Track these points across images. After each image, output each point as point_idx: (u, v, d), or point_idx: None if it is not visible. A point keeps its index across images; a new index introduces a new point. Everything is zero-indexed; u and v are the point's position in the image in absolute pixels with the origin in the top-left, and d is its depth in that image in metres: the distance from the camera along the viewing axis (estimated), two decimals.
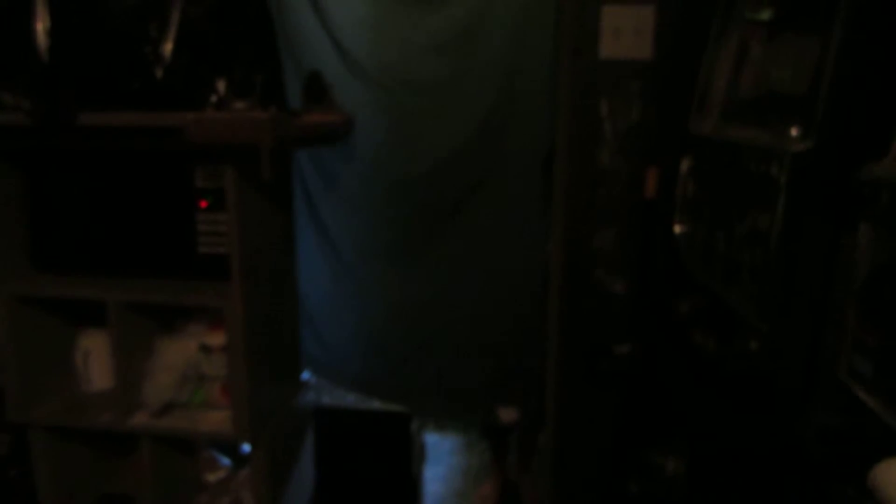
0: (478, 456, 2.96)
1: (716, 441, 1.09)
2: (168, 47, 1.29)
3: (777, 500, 0.98)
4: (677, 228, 1.53)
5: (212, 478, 1.73)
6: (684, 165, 1.48)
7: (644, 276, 1.68)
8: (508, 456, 2.58)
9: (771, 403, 1.11)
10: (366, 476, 2.18)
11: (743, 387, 1.17)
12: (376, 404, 2.16)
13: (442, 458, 2.96)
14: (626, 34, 1.60)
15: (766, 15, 1.32)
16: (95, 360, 1.62)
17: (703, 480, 1.11)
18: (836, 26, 0.97)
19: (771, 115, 1.18)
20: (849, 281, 0.93)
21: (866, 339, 0.89)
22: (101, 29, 1.32)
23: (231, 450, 1.81)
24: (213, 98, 1.35)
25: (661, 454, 1.20)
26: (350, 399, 2.19)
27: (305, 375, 1.84)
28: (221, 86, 1.36)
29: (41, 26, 1.31)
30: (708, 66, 1.45)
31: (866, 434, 0.87)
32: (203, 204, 1.44)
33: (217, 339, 1.49)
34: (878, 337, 0.86)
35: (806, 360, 1.05)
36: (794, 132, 1.07)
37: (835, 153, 0.98)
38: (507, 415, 2.64)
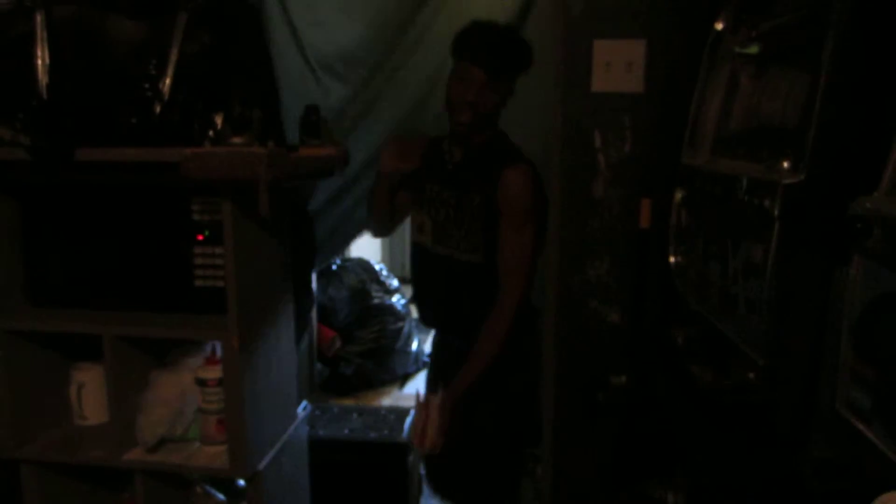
0: None
1: (715, 475, 1.09)
2: (166, 84, 1.31)
3: None
4: (671, 259, 1.54)
5: None
6: (677, 196, 1.50)
7: (639, 306, 1.69)
8: None
9: (770, 436, 1.11)
10: None
11: (741, 419, 1.17)
12: (373, 435, 2.14)
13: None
14: (617, 68, 1.63)
15: (754, 49, 1.34)
16: (89, 393, 1.61)
17: None
18: (824, 60, 1.00)
19: (762, 147, 1.20)
20: (844, 314, 0.94)
21: (864, 373, 0.90)
22: (100, 66, 1.34)
23: (225, 484, 1.79)
24: (211, 133, 1.37)
25: (660, 487, 1.20)
26: (346, 430, 2.17)
27: (302, 406, 1.82)
28: (219, 121, 1.38)
29: (41, 63, 1.32)
30: (698, 99, 1.48)
31: (865, 468, 0.87)
32: (200, 237, 1.44)
33: (213, 372, 1.48)
34: (876, 370, 0.87)
35: (804, 393, 1.05)
36: (785, 164, 1.09)
37: (826, 185, 0.99)
38: None
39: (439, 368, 1.89)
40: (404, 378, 3.78)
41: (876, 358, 0.86)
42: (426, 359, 3.95)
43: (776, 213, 1.04)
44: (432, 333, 2.05)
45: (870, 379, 0.88)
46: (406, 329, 3.70)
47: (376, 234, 2.34)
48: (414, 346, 3.81)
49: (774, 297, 1.05)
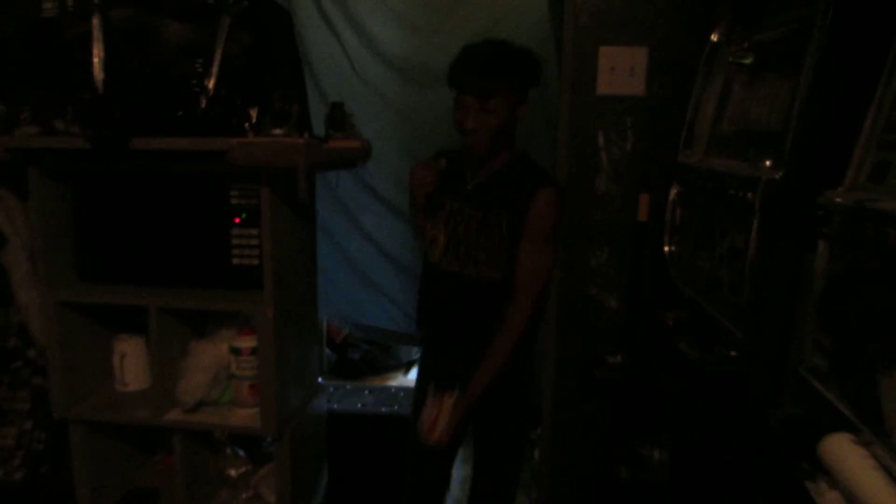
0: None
1: (697, 432, 1.24)
2: (211, 81, 1.45)
3: (747, 478, 1.12)
4: (666, 248, 1.68)
5: (234, 473, 1.86)
6: (673, 192, 1.64)
7: (635, 292, 1.83)
8: None
9: (744, 399, 1.26)
10: (373, 478, 2.31)
11: (721, 386, 1.31)
12: (383, 409, 2.29)
13: None
14: (621, 72, 1.77)
15: (748, 60, 1.49)
16: (130, 363, 1.76)
17: (685, 466, 1.25)
18: (803, 71, 1.14)
19: (748, 148, 1.34)
20: (810, 292, 1.09)
21: (823, 341, 1.04)
22: (151, 64, 1.48)
23: (252, 448, 1.94)
24: (246, 125, 1.51)
25: (648, 446, 1.35)
26: (359, 404, 2.32)
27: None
28: (254, 114, 1.52)
29: (97, 60, 1.46)
30: (695, 103, 1.62)
31: (821, 420, 1.01)
32: (237, 220, 1.59)
33: (246, 342, 1.63)
34: (832, 339, 1.01)
35: (776, 361, 1.20)
36: (767, 163, 1.23)
37: (801, 181, 1.13)
38: None
39: (433, 369, 1.80)
40: (409, 365, 3.92)
41: (833, 329, 1.01)
42: None
43: (757, 205, 1.18)
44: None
45: (827, 347, 1.02)
46: None
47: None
48: None
49: (753, 278, 1.19)
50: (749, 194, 1.22)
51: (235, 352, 1.64)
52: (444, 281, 1.67)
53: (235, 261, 1.61)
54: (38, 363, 1.76)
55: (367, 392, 2.42)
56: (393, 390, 2.46)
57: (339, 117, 1.68)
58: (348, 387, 2.48)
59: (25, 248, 1.66)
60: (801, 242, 1.13)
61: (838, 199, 0.97)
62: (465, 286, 1.61)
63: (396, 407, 2.32)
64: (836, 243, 0.99)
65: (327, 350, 3.53)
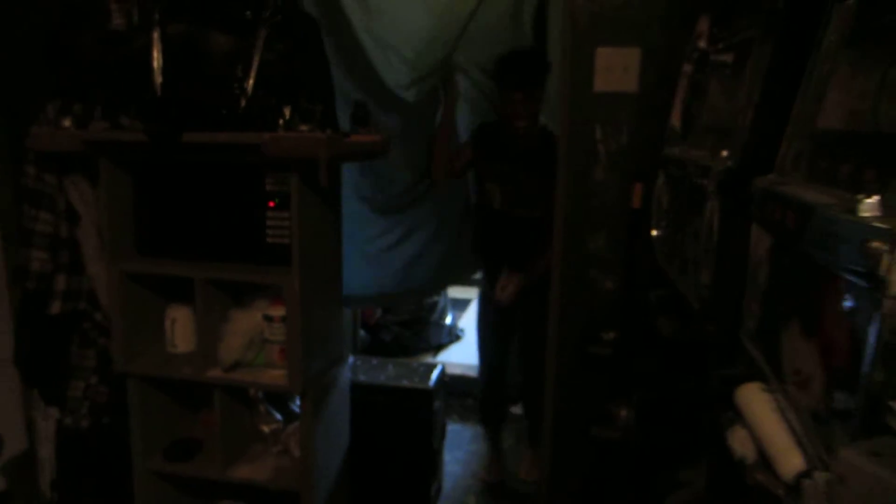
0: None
1: (659, 394, 1.42)
2: (250, 84, 1.69)
3: (692, 426, 1.30)
4: (653, 232, 1.85)
5: (266, 429, 2.11)
6: (659, 180, 1.81)
7: (629, 274, 2.00)
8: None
9: (702, 364, 1.43)
10: (392, 446, 2.54)
11: (687, 355, 1.48)
12: (405, 382, 2.52)
13: (462, 444, 3.30)
14: (615, 71, 1.94)
15: (728, 58, 1.64)
16: (179, 327, 2.02)
17: (648, 423, 1.43)
18: (752, 73, 1.30)
19: (714, 141, 1.50)
20: (748, 267, 1.25)
21: (753, 309, 1.21)
22: (200, 69, 1.73)
23: (282, 408, 2.19)
24: (281, 122, 1.75)
25: (616, 406, 1.53)
26: (382, 377, 2.55)
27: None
28: (287, 112, 1.76)
29: (156, 66, 1.72)
30: (679, 99, 1.78)
31: (753, 377, 1.18)
32: (271, 203, 1.83)
33: (277, 311, 1.87)
34: (758, 305, 1.18)
35: (726, 330, 1.37)
36: (723, 153, 1.40)
37: (750, 171, 1.30)
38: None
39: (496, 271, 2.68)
40: (438, 348, 4.16)
41: (759, 297, 1.18)
42: (459, 333, 4.34)
43: (711, 190, 1.35)
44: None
45: (756, 312, 1.19)
46: (441, 304, 4.07)
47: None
48: (448, 319, 4.18)
49: (706, 255, 1.36)
50: (706, 181, 1.38)
51: (268, 319, 1.88)
52: (502, 219, 2.62)
53: (269, 239, 1.86)
54: (103, 325, 2.04)
55: (390, 367, 2.64)
56: (415, 366, 2.67)
57: (361, 115, 1.91)
58: (374, 362, 2.70)
59: (94, 225, 1.94)
60: (747, 223, 1.30)
61: (758, 185, 1.14)
62: (516, 222, 2.56)
63: (417, 380, 2.53)
64: (760, 224, 1.16)
65: (361, 331, 3.79)
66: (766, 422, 1.01)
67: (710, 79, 1.69)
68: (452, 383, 3.04)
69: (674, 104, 1.81)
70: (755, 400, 1.07)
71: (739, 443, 1.07)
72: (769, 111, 1.30)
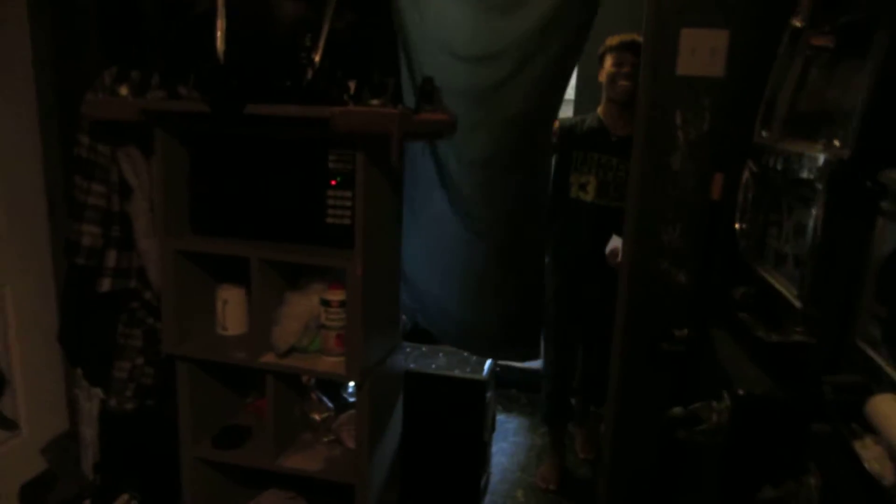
0: (540, 437, 3.20)
1: (755, 398, 1.31)
2: (318, 55, 1.60)
3: (799, 440, 1.19)
4: (737, 226, 1.74)
5: (317, 417, 2.03)
6: (746, 171, 1.70)
7: (705, 269, 1.89)
8: (565, 441, 2.89)
9: (804, 369, 1.32)
10: (443, 437, 2.45)
11: (782, 356, 1.37)
12: (457, 372, 2.43)
13: (508, 436, 3.22)
14: (701, 54, 1.82)
15: (829, 43, 1.52)
16: (231, 309, 1.95)
17: (742, 429, 1.32)
18: (874, 55, 1.18)
19: (821, 129, 1.39)
20: (869, 266, 1.14)
21: (879, 312, 1.10)
22: (266, 37, 1.64)
23: (334, 396, 2.12)
24: (346, 96, 1.66)
25: (707, 408, 1.42)
26: (434, 366, 2.46)
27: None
28: (352, 86, 1.66)
29: (220, 34, 1.63)
30: (773, 84, 1.66)
31: (872, 386, 1.07)
32: (333, 182, 1.74)
33: (336, 295, 1.78)
34: (887, 309, 1.07)
35: (835, 332, 1.26)
36: (836, 143, 1.28)
37: (867, 161, 1.18)
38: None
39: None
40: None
41: (887, 299, 1.07)
42: None
43: (823, 182, 1.24)
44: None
45: (882, 316, 1.08)
46: None
47: None
48: None
49: (815, 252, 1.25)
50: (817, 173, 1.27)
51: (325, 304, 1.80)
52: (595, 212, 2.55)
53: (330, 220, 1.77)
54: (152, 305, 1.98)
55: (441, 355, 2.56)
56: (465, 354, 2.58)
57: (429, 90, 1.80)
58: (424, 349, 2.61)
59: (147, 200, 1.87)
60: (863, 219, 1.18)
61: (892, 178, 1.02)
62: (611, 214, 2.44)
63: (468, 370, 2.44)
64: (891, 218, 1.05)
65: (403, 317, 3.70)
66: None
67: (809, 63, 1.57)
68: (498, 372, 2.94)
69: (766, 90, 1.69)
70: (894, 413, 0.96)
71: (875, 460, 0.97)
72: (889, 98, 1.18)
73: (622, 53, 2.48)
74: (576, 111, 3.26)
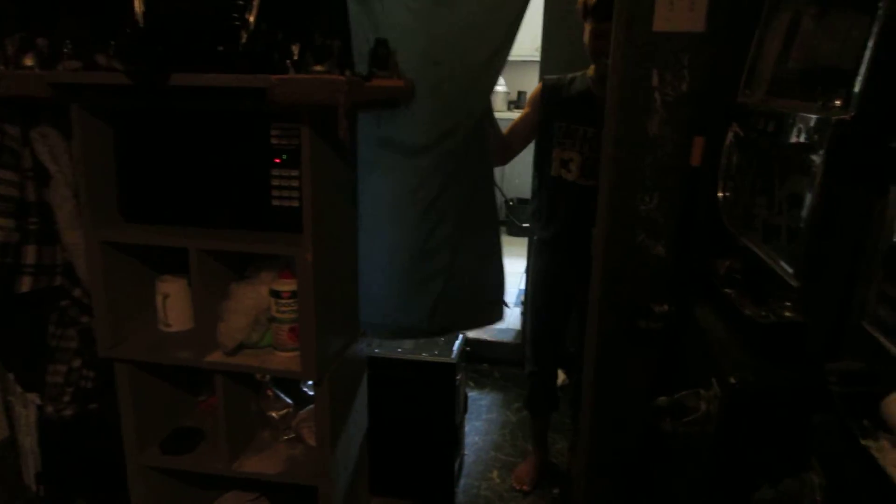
0: (514, 413, 3.11)
1: (747, 385, 1.19)
2: (252, 15, 1.40)
3: (801, 435, 1.08)
4: (720, 194, 1.61)
5: (275, 415, 1.88)
6: (730, 134, 1.56)
7: (685, 240, 1.77)
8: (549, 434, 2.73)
9: (800, 352, 1.21)
10: (413, 423, 2.33)
11: (775, 338, 1.26)
12: (424, 355, 2.29)
13: (481, 413, 3.12)
14: (680, 7, 1.66)
15: None
16: (173, 303, 1.77)
17: (733, 419, 1.21)
18: (879, 3, 1.04)
19: (816, 87, 1.25)
20: (878, 240, 1.02)
21: (890, 292, 0.98)
22: None
23: (292, 390, 1.96)
24: (288, 62, 1.47)
25: (695, 397, 1.31)
26: (400, 350, 2.32)
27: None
28: (296, 50, 1.47)
29: None
30: (759, 39, 1.52)
31: (881, 375, 0.96)
32: (277, 160, 1.56)
33: (286, 285, 1.62)
34: None
35: (836, 313, 1.14)
36: (837, 103, 1.15)
37: (873, 123, 1.05)
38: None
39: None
40: (444, 329, 3.92)
41: None
42: None
43: (824, 147, 1.11)
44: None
45: (894, 297, 0.96)
46: None
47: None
48: None
49: (815, 225, 1.13)
50: (816, 136, 1.14)
51: (275, 295, 1.63)
52: (579, 193, 2.24)
53: (276, 202, 1.59)
54: (84, 302, 1.79)
55: None
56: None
57: (383, 54, 1.62)
58: None
59: (69, 187, 1.67)
60: (870, 187, 1.06)
61: None
62: (590, 193, 1.97)
63: (436, 352, 2.31)
64: None
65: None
66: None
67: (800, 14, 1.43)
68: (469, 349, 2.81)
69: (752, 45, 1.54)
70: None
71: (895, 466, 0.86)
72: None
73: (603, 24, 2.08)
74: (542, 74, 3.06)
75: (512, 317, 3.90)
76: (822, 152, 1.11)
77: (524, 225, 4.09)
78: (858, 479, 0.93)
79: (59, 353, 1.82)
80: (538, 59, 3.20)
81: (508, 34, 2.09)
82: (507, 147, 2.39)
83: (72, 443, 1.96)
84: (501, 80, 5.92)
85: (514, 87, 5.76)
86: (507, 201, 4.87)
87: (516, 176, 5.26)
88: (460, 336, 2.44)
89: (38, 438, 1.98)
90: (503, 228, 5.75)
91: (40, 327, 1.80)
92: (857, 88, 1.07)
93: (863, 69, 1.06)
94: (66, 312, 1.80)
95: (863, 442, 0.93)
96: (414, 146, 2.05)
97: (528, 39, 3.46)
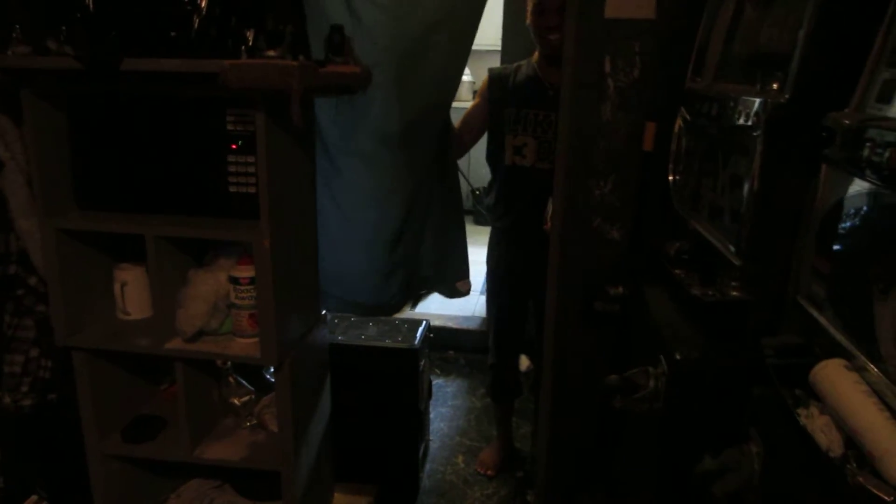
0: (479, 399, 3.14)
1: (692, 361, 1.24)
2: (204, 0, 1.40)
3: (739, 405, 1.12)
4: (670, 177, 1.65)
5: (237, 402, 1.89)
6: (679, 118, 1.60)
7: (639, 224, 1.81)
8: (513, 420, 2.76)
9: (743, 329, 1.25)
10: (377, 410, 2.35)
11: (720, 316, 1.30)
12: (388, 341, 2.31)
13: (447, 400, 3.15)
14: None
15: None
16: (131, 291, 1.77)
17: (680, 394, 1.25)
18: None
19: (758, 71, 1.29)
20: (811, 218, 1.06)
21: (821, 268, 1.02)
22: None
23: (254, 377, 1.97)
24: (243, 47, 1.47)
25: (644, 375, 1.35)
26: (363, 336, 2.34)
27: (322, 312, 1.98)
28: (250, 35, 1.48)
29: None
30: (706, 26, 1.56)
31: (815, 347, 1.00)
32: (233, 146, 1.56)
33: (245, 272, 1.62)
34: (830, 264, 0.99)
35: (775, 290, 1.19)
36: (774, 86, 1.19)
37: (806, 105, 1.09)
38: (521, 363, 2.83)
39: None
40: (416, 298, 3.95)
41: (831, 253, 0.99)
42: None
43: (761, 128, 1.15)
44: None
45: (825, 272, 1.00)
46: None
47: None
48: None
49: (754, 205, 1.17)
50: (754, 118, 1.18)
51: (234, 281, 1.64)
52: (536, 177, 2.22)
53: (233, 188, 1.60)
54: (40, 290, 1.77)
55: (370, 324, 2.43)
56: (397, 322, 2.46)
57: (338, 41, 1.63)
58: (352, 319, 2.48)
59: (23, 174, 1.65)
60: (805, 167, 1.10)
61: (845, 120, 0.93)
62: (547, 176, 1.94)
63: (399, 338, 2.33)
64: (837, 166, 0.96)
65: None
66: (861, 411, 0.83)
67: (744, 2, 1.47)
68: (434, 336, 2.84)
69: (698, 32, 1.58)
70: (842, 381, 0.88)
71: (821, 430, 0.90)
72: (831, 35, 1.09)
73: (551, 5, 2.09)
74: (503, 63, 3.09)
75: (478, 305, 3.93)
76: (759, 134, 1.15)
77: None
78: (790, 445, 0.97)
79: (15, 342, 1.80)
80: (499, 48, 3.22)
81: (468, 26, 2.11)
82: (458, 140, 2.40)
83: (32, 433, 1.94)
84: (467, 71, 5.95)
85: (479, 77, 5.77)
86: (473, 190, 4.89)
87: (482, 165, 5.27)
88: (424, 322, 2.47)
89: None
90: (470, 218, 5.80)
91: None
92: (791, 72, 1.11)
93: (796, 54, 1.10)
94: (22, 301, 1.78)
95: (794, 411, 0.97)
96: (388, 133, 2.09)
97: (492, 29, 3.48)
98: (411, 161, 2.21)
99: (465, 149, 2.47)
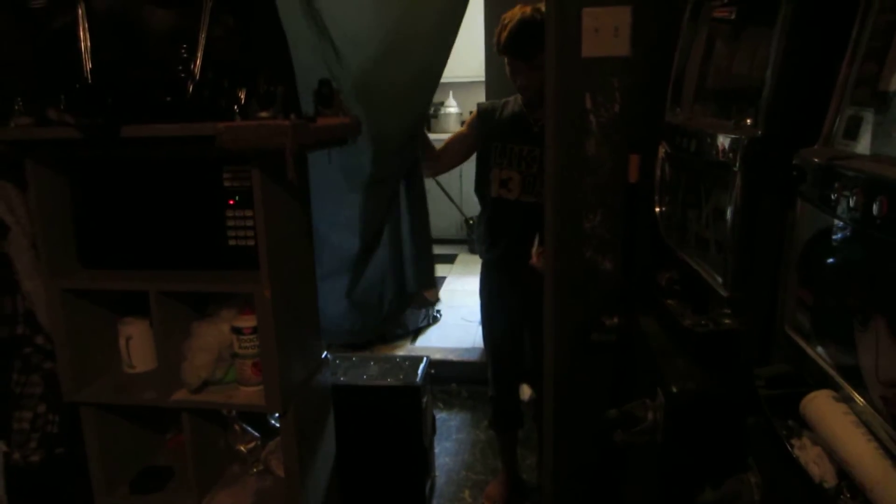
0: (483, 432, 3.15)
1: (688, 393, 1.27)
2: (197, 65, 1.45)
3: (736, 435, 1.15)
4: (657, 209, 1.69)
5: (243, 448, 1.91)
6: (661, 152, 1.65)
7: (629, 254, 1.85)
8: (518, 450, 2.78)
9: (735, 358, 1.28)
10: (382, 448, 2.36)
11: (713, 346, 1.33)
12: (390, 380, 2.34)
13: (451, 434, 3.16)
14: (605, 33, 1.76)
15: (730, 15, 1.47)
16: (136, 345, 1.80)
17: (678, 426, 1.28)
18: (778, 26, 1.13)
19: (732, 106, 1.34)
20: (792, 250, 1.10)
21: (805, 298, 1.06)
22: (137, 50, 1.49)
23: (260, 423, 1.99)
24: (236, 108, 1.52)
25: (643, 407, 1.38)
26: (365, 376, 2.36)
27: (324, 355, 2.01)
28: (242, 97, 1.53)
29: (84, 49, 1.47)
30: (680, 61, 1.61)
31: (807, 377, 1.03)
32: (231, 202, 1.61)
33: (247, 321, 1.66)
34: (813, 295, 1.03)
35: (763, 320, 1.22)
36: (748, 121, 1.23)
37: (780, 140, 1.14)
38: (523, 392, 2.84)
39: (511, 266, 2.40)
40: (416, 333, 3.99)
41: (813, 285, 1.03)
42: (436, 314, 4.18)
43: (737, 164, 1.19)
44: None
45: (808, 303, 1.04)
46: None
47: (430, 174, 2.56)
48: None
49: (736, 238, 1.21)
50: (731, 153, 1.22)
51: (237, 331, 1.67)
52: (521, 210, 2.29)
53: (232, 242, 1.64)
54: (47, 348, 1.80)
55: (372, 363, 2.46)
56: (398, 360, 2.49)
57: (327, 93, 1.68)
58: (354, 359, 2.51)
59: (27, 237, 1.69)
60: (782, 201, 1.14)
61: (815, 158, 0.97)
62: (541, 212, 1.96)
63: (401, 377, 2.35)
64: (811, 201, 1.00)
65: None
66: (851, 442, 0.86)
67: (714, 36, 1.53)
68: (434, 371, 2.86)
69: (673, 67, 1.64)
70: (829, 413, 0.91)
71: (814, 462, 0.93)
72: (799, 70, 1.14)
73: (513, 62, 2.20)
74: (488, 96, 3.17)
75: (477, 336, 3.96)
76: (736, 169, 1.19)
77: None
78: (785, 475, 1.00)
79: (24, 399, 1.83)
80: (483, 79, 3.29)
81: (437, 60, 2.16)
82: (435, 159, 2.46)
83: (42, 487, 1.96)
84: (453, 102, 6.04)
85: (465, 108, 5.87)
86: (466, 220, 4.93)
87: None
88: (425, 359, 2.49)
89: (6, 485, 1.98)
90: (464, 247, 5.84)
91: (4, 375, 1.81)
92: (762, 107, 1.16)
93: (766, 90, 1.15)
94: (30, 359, 1.81)
95: (787, 441, 1.00)
96: (368, 171, 2.13)
97: (475, 62, 3.57)
98: (388, 191, 2.28)
99: (440, 168, 2.54)
